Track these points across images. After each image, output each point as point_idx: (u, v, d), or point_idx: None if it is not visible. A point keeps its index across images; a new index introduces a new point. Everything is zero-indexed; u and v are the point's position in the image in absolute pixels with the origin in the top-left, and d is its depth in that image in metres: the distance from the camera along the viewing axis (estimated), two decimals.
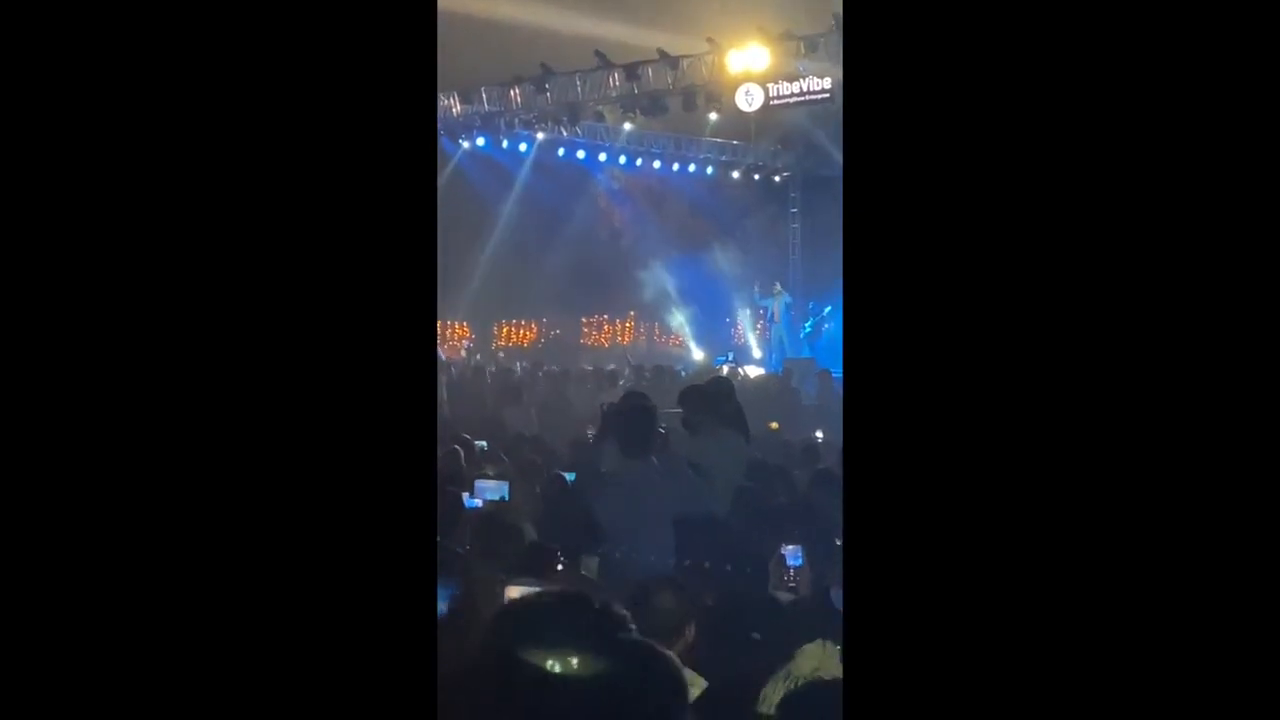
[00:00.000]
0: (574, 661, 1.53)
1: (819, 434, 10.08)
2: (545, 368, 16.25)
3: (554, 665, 1.53)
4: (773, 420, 10.71)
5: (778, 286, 19.26)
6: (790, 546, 4.21)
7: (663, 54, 16.21)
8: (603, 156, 19.92)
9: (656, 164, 20.60)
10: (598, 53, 16.25)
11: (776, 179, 21.78)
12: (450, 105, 17.60)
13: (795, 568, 4.16)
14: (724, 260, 20.74)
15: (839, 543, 5.37)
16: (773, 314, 19.16)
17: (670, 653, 1.66)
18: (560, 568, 4.31)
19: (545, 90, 16.80)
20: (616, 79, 16.61)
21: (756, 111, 16.55)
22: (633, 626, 1.65)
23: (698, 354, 19.85)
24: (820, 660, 3.34)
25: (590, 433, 8.31)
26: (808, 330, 19.27)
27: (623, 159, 20.27)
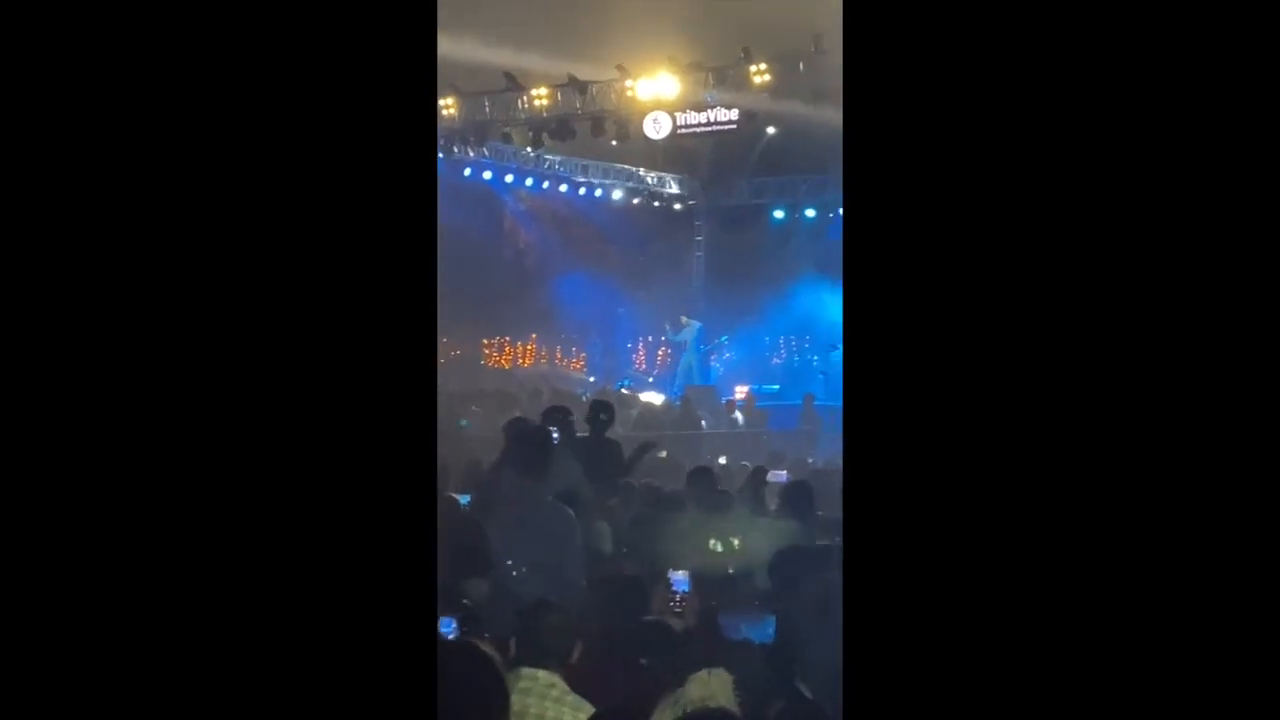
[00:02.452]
0: None
1: (722, 459, 10.15)
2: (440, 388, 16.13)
3: None
4: (662, 450, 10.74)
5: (685, 319, 19.30)
6: (676, 572, 4.23)
7: (572, 79, 16.27)
8: (509, 178, 19.89)
9: (563, 188, 20.62)
10: (507, 74, 16.25)
11: (678, 207, 21.93)
12: None
13: (681, 593, 4.17)
14: (628, 286, 20.81)
15: (731, 571, 5.42)
16: (684, 343, 19.21)
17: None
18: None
19: (452, 110, 16.75)
20: (525, 101, 16.63)
21: (664, 140, 16.69)
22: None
23: (591, 378, 19.82)
24: (709, 688, 3.37)
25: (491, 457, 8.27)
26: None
27: (529, 181, 20.25)
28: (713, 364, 19.21)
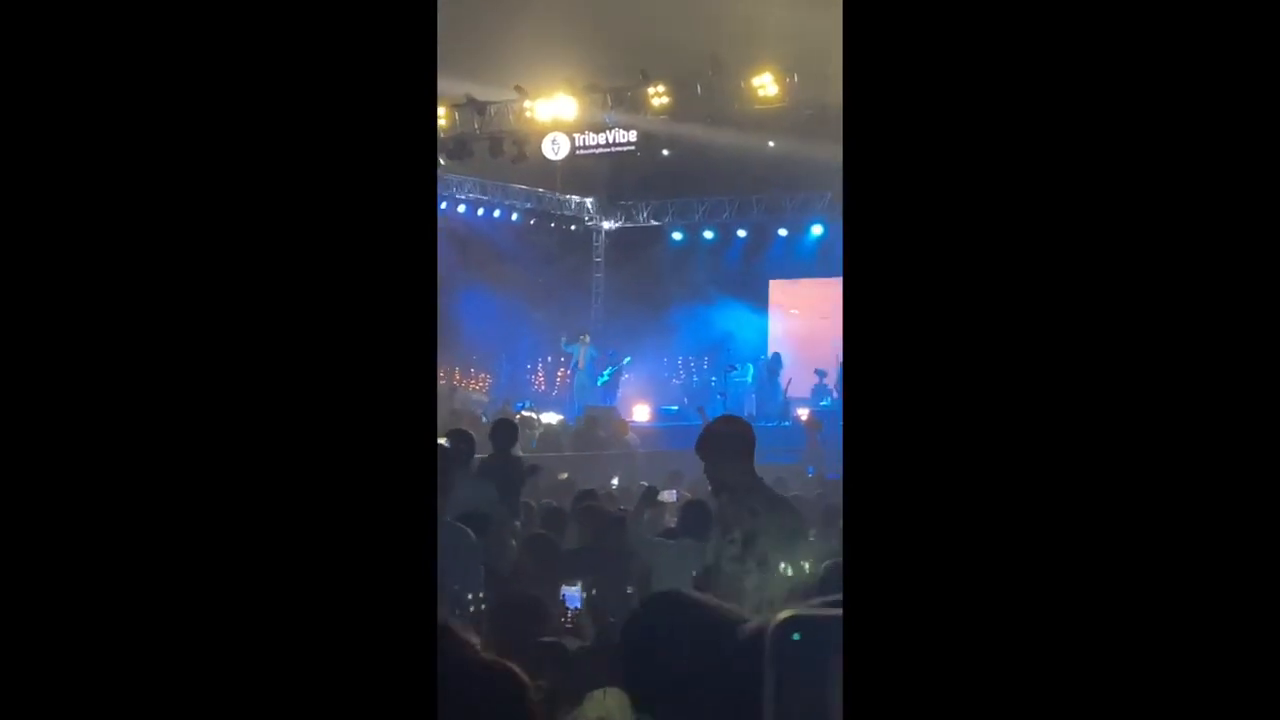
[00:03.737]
0: None
1: (614, 481, 10.18)
2: None
3: None
4: (562, 471, 10.77)
5: (586, 337, 19.37)
6: (569, 588, 4.21)
7: (470, 99, 16.23)
8: None
9: (461, 208, 20.53)
10: None
11: (574, 228, 21.99)
12: None
13: (574, 610, 4.15)
14: (527, 307, 20.78)
15: (630, 590, 5.41)
16: (578, 361, 19.24)
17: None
18: None
19: None
20: None
21: (562, 160, 16.72)
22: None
23: (485, 399, 19.70)
24: (604, 708, 3.35)
25: None
26: (605, 378, 19.43)
27: None
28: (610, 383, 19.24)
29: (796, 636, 1.37)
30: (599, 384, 19.12)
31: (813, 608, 1.49)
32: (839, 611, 1.44)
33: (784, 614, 1.33)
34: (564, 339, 19.47)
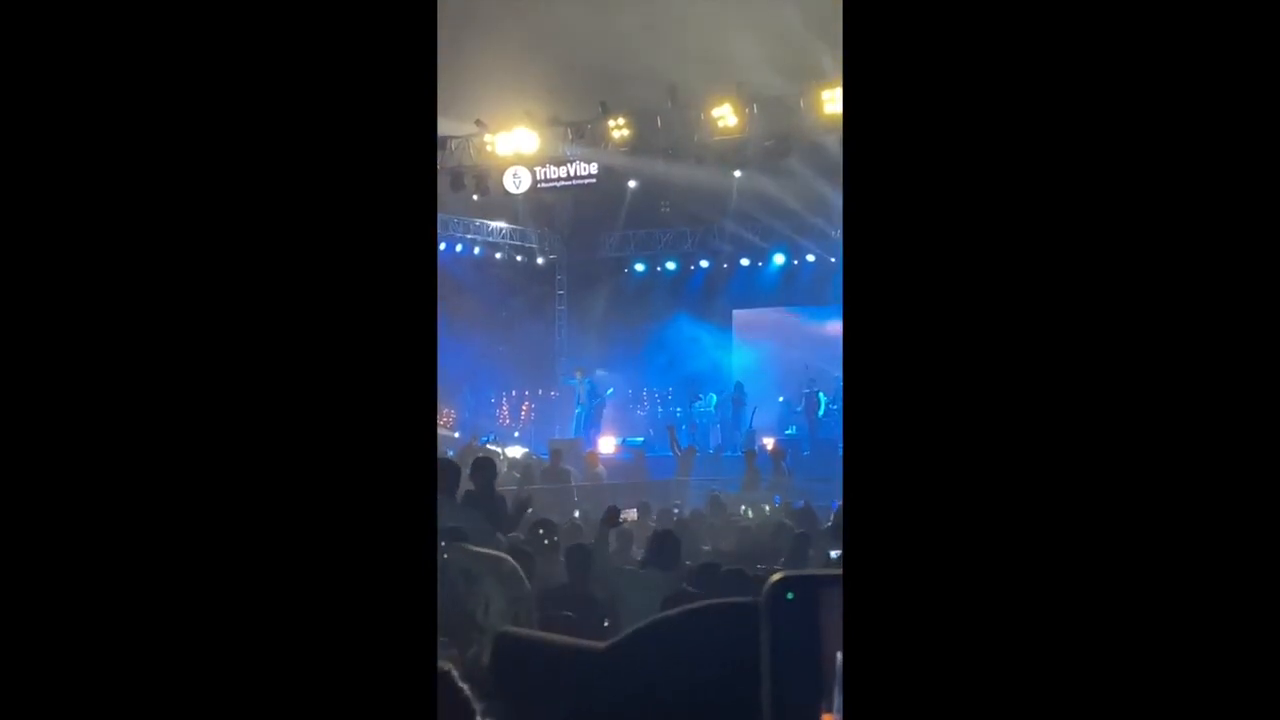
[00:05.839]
0: None
1: (576, 514, 10.17)
2: None
3: None
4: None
5: (580, 371, 19.35)
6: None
7: None
8: None
9: None
10: None
11: (540, 261, 22.01)
12: None
13: None
14: (490, 341, 20.74)
15: (606, 622, 5.39)
16: (579, 396, 19.20)
17: None
18: None
19: None
20: None
21: (523, 194, 16.75)
22: None
23: (454, 435, 19.60)
24: None
25: None
26: (598, 402, 19.39)
27: None
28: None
29: (790, 596, 1.35)
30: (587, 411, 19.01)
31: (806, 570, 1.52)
32: (829, 570, 1.44)
33: (777, 575, 1.33)
34: (574, 375, 19.48)
